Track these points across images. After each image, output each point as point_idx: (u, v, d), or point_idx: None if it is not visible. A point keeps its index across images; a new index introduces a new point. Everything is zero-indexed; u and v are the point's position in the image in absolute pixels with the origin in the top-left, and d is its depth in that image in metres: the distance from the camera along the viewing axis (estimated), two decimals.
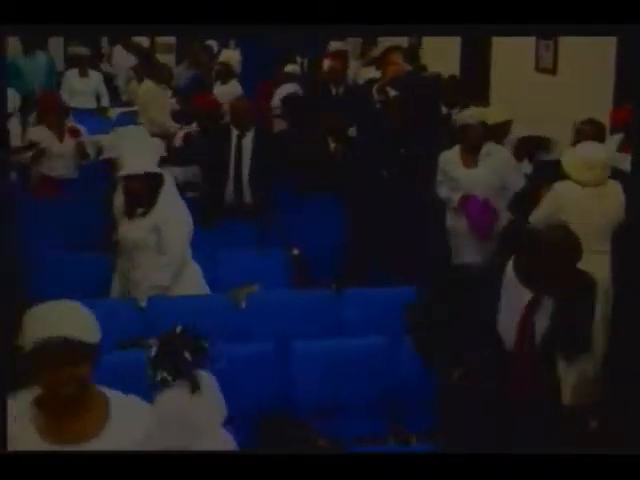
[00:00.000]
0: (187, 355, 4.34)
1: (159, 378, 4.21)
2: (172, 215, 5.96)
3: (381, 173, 7.13)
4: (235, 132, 7.90)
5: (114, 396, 3.45)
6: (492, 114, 8.32)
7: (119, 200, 6.11)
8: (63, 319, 3.25)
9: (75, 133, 9.08)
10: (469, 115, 7.58)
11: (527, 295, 4.27)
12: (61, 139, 8.95)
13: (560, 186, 6.23)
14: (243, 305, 6.06)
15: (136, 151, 6.01)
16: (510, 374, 4.29)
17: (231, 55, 12.18)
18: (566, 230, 4.29)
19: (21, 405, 3.34)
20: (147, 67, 11.91)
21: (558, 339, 4.27)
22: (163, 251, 5.95)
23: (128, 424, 3.39)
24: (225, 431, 4.22)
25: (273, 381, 5.29)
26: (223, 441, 4.25)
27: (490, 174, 7.39)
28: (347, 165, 7.91)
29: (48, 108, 9.15)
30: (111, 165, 6.79)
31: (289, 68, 11.91)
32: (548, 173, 6.75)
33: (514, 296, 4.27)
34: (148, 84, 11.22)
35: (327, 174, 8.16)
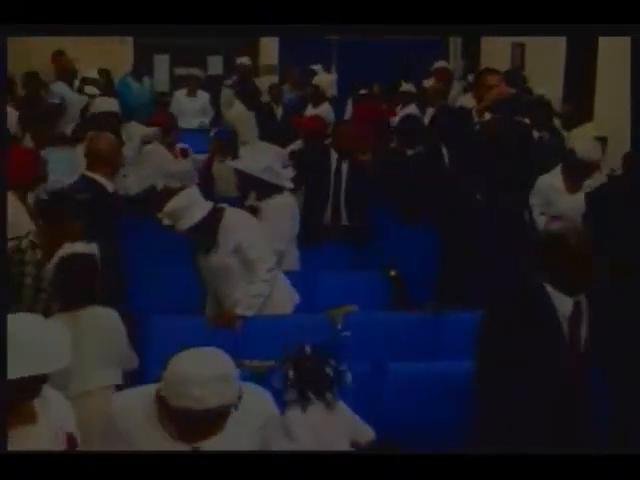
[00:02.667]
0: (329, 371, 4.48)
1: (300, 396, 4.35)
2: (246, 233, 6.05)
3: (475, 196, 7.07)
4: (335, 155, 7.93)
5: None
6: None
7: None
8: (206, 389, 3.27)
9: (184, 153, 9.24)
10: (587, 145, 7.37)
11: (569, 303, 4.22)
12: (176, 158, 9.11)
13: None
14: (339, 325, 6.07)
15: (185, 206, 6.03)
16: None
17: (323, 78, 12.21)
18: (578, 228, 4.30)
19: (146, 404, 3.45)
20: (243, 89, 12.06)
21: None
22: (252, 269, 6.02)
23: (250, 413, 3.50)
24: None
25: (368, 402, 5.28)
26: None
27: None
28: (443, 186, 7.88)
29: (163, 128, 9.33)
30: None
31: (405, 87, 11.92)
32: None
33: (559, 307, 4.22)
34: (240, 107, 11.34)
35: (424, 196, 8.13)
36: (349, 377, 4.58)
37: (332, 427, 4.50)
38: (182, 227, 5.93)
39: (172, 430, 3.42)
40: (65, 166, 7.81)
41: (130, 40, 15.32)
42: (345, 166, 7.93)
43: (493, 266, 6.84)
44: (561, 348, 4.21)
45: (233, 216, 6.10)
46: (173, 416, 3.38)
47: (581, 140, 8.04)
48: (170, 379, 3.34)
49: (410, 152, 8.87)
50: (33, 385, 3.30)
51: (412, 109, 11.11)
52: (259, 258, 6.02)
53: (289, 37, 12.36)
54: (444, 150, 8.63)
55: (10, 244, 5.48)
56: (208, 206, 6.00)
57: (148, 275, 6.87)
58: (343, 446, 4.55)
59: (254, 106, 11.39)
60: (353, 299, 6.31)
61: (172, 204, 6.05)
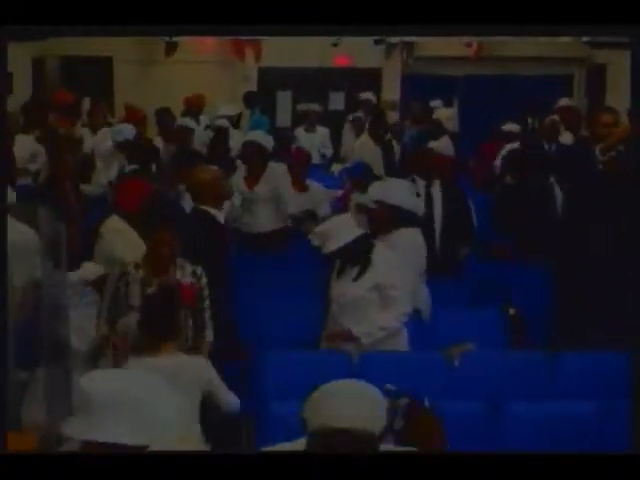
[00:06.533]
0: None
1: None
2: (392, 273, 6.04)
3: (594, 234, 6.94)
4: (421, 182, 7.90)
5: None
6: None
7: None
8: (361, 412, 3.14)
9: (304, 188, 9.32)
10: None
11: None
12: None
13: None
14: (457, 363, 6.04)
15: (334, 228, 6.05)
16: None
17: (443, 112, 12.20)
18: None
19: None
20: (372, 122, 12.10)
21: None
22: (387, 308, 6.01)
23: None
24: None
25: (482, 441, 5.24)
26: None
27: None
28: (559, 224, 7.77)
29: (298, 163, 9.48)
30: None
31: (508, 127, 11.86)
32: None
33: None
34: (365, 138, 11.40)
35: (541, 233, 8.02)
36: None
37: None
38: (328, 249, 5.93)
39: None
40: None
41: (255, 76, 15.61)
42: (437, 193, 7.89)
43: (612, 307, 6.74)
44: None
45: (382, 252, 6.10)
46: None
47: None
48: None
49: (526, 186, 8.76)
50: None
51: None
52: (399, 298, 6.01)
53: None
54: (557, 186, 8.50)
55: (117, 269, 5.76)
56: (356, 233, 5.99)
57: (260, 309, 6.94)
58: None
59: (382, 141, 11.41)
60: (470, 337, 6.25)
61: (324, 225, 6.15)
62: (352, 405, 3.14)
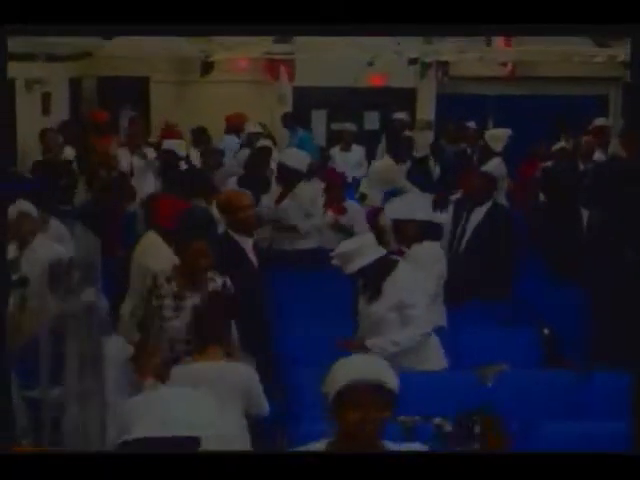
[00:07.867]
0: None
1: None
2: (414, 292, 6.05)
3: (628, 253, 6.92)
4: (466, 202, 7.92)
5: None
6: None
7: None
8: (373, 366, 3.46)
9: (342, 210, 9.34)
10: None
11: None
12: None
13: None
14: (490, 383, 6.02)
15: (356, 249, 6.03)
16: None
17: (491, 134, 12.14)
18: None
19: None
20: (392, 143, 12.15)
21: None
22: (406, 326, 6.02)
23: None
24: None
25: None
26: None
27: None
28: (592, 243, 7.76)
29: (333, 185, 9.52)
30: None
31: (557, 145, 11.82)
32: None
33: None
34: (387, 161, 11.39)
35: (574, 253, 8.00)
36: None
37: None
38: (350, 269, 5.97)
39: None
40: None
41: (290, 95, 15.67)
42: (473, 216, 7.90)
43: None
44: None
45: (404, 271, 6.12)
46: None
47: None
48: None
49: (559, 206, 8.76)
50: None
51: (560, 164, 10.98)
52: (419, 317, 6.02)
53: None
54: (591, 205, 8.48)
55: (148, 282, 5.87)
56: (379, 252, 6.03)
57: (296, 325, 6.96)
58: None
59: (402, 160, 11.40)
60: (504, 356, 6.24)
61: (344, 245, 6.12)
62: (365, 364, 3.48)
